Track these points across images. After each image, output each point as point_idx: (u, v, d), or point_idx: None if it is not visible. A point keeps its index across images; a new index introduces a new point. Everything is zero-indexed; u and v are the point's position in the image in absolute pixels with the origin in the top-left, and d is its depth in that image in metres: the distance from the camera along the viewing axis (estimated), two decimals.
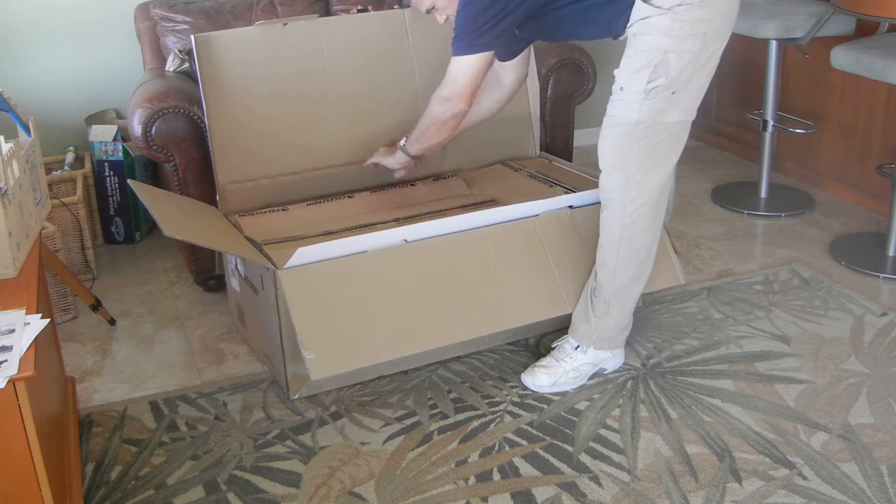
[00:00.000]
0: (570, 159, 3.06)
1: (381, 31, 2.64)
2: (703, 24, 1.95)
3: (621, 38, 2.06)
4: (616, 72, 2.03)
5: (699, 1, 1.93)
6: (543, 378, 2.23)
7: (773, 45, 3.23)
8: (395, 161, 2.48)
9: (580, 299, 2.25)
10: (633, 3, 1.95)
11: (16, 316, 1.59)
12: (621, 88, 2.00)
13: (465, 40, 2.04)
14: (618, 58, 2.02)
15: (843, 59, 2.78)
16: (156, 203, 2.23)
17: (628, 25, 1.99)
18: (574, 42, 2.97)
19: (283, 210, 2.49)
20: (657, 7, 1.92)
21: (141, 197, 2.22)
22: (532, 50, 2.46)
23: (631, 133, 2.01)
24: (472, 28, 2.02)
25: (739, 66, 3.79)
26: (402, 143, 2.42)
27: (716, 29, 1.98)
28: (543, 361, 2.26)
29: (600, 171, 2.09)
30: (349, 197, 2.57)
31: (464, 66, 2.08)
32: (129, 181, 2.37)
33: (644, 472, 1.93)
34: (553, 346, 2.30)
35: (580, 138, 3.67)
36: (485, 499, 1.87)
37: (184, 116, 2.54)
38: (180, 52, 2.91)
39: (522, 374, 2.27)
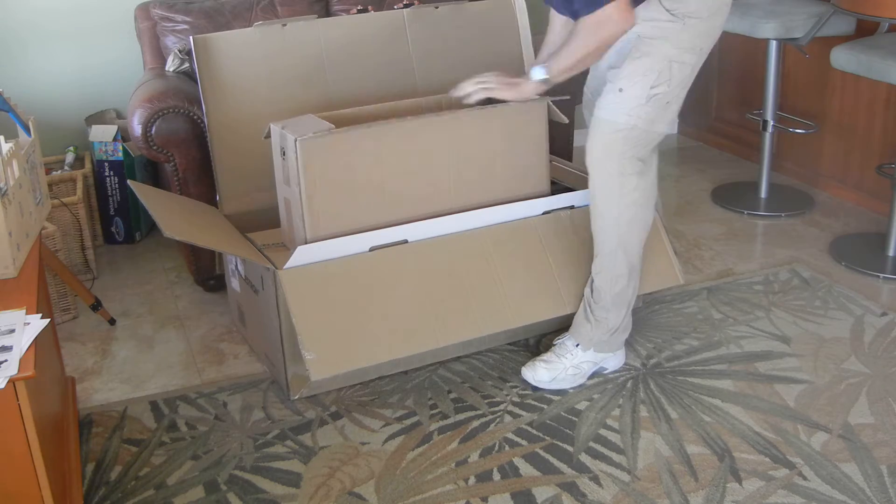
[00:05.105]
0: (570, 159, 3.06)
1: (380, 31, 2.63)
2: (702, 39, 1.96)
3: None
4: (613, 73, 2.00)
5: (708, 15, 1.93)
6: (543, 373, 2.23)
7: (773, 45, 3.23)
8: (520, 93, 2.14)
9: (580, 305, 2.25)
10: None
11: (16, 316, 1.60)
12: (620, 90, 1.98)
13: None
14: None
15: (843, 59, 2.78)
16: (156, 204, 2.23)
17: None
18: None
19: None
20: (671, 13, 1.91)
21: (141, 198, 2.22)
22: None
23: (625, 139, 2.00)
24: None
25: (739, 66, 3.79)
26: (534, 72, 2.07)
27: (708, 45, 2.00)
28: (544, 356, 2.26)
29: (591, 177, 2.07)
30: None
31: None
32: (129, 182, 2.37)
33: (644, 472, 1.93)
34: (555, 342, 2.30)
35: (580, 138, 3.67)
36: (485, 499, 1.86)
37: (184, 116, 2.54)
38: (180, 52, 2.91)
39: (523, 368, 2.27)
